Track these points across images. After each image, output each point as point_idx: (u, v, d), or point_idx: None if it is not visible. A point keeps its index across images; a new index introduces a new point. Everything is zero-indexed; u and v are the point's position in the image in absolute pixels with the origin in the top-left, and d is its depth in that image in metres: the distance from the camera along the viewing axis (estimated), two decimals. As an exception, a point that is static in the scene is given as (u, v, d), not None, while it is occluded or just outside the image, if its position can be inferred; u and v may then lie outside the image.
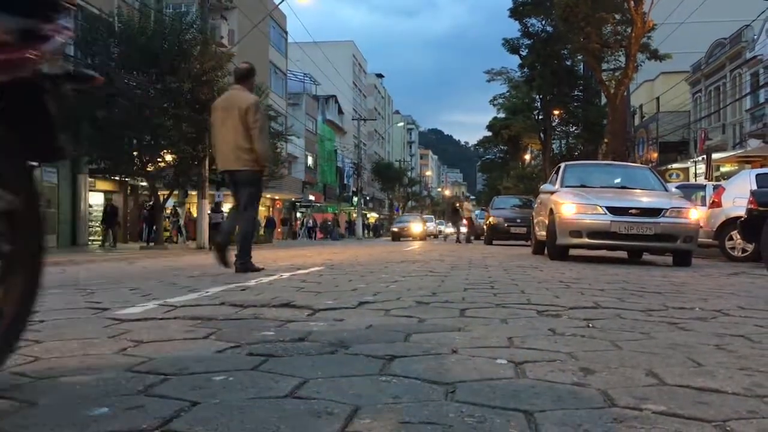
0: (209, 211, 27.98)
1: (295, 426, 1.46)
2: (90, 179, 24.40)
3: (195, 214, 26.87)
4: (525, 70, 40.54)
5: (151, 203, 24.83)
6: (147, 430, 1.44)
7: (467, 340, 2.63)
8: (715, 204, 11.83)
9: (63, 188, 22.57)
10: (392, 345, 2.50)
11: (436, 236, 50.37)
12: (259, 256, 13.21)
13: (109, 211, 22.73)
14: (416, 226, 36.74)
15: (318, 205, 57.47)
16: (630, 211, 8.94)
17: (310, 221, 47.53)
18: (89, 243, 24.27)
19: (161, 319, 3.31)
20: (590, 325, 3.07)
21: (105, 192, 27.10)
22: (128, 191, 28.10)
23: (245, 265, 6.78)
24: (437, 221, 61.89)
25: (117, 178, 25.17)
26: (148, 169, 20.74)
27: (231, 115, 6.72)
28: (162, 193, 22.58)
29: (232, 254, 6.84)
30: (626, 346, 2.51)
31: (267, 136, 7.41)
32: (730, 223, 11.08)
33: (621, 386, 1.84)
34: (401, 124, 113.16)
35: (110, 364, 2.17)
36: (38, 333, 2.88)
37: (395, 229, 37.00)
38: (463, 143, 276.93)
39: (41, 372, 2.06)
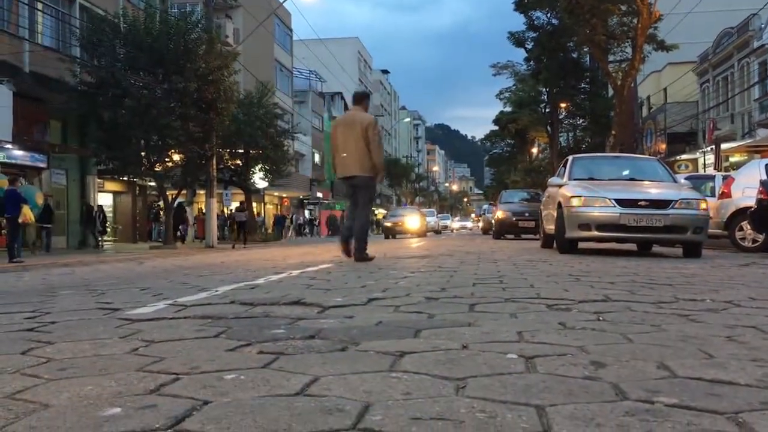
0: (233, 210, 28.28)
1: (307, 423, 1.46)
2: (98, 180, 24.53)
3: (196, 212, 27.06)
4: (531, 63, 40.42)
5: (159, 203, 24.95)
6: (159, 429, 1.45)
7: (477, 335, 2.63)
8: (725, 194, 11.76)
9: (72, 189, 22.69)
10: (402, 341, 2.50)
11: (438, 232, 46.22)
12: (268, 253, 13.26)
13: (85, 211, 21.64)
14: (412, 221, 30.56)
15: (326, 202, 57.49)
16: (639, 203, 8.89)
17: (300, 218, 46.06)
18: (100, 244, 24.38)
19: (172, 318, 3.32)
20: (601, 318, 3.06)
21: (114, 193, 27.24)
22: (137, 191, 28.22)
23: (362, 255, 8.00)
24: (440, 215, 58.63)
25: (125, 178, 25.27)
26: (156, 169, 20.82)
27: (353, 130, 8.08)
28: (170, 193, 22.66)
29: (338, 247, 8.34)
30: (637, 339, 2.50)
31: (382, 148, 8.68)
32: (740, 213, 11.02)
33: (632, 379, 1.84)
34: (407, 119, 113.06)
35: (122, 364, 2.18)
36: (50, 334, 2.90)
37: (388, 224, 31.44)
38: (470, 138, 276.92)
39: (54, 373, 2.07)
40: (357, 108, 8.53)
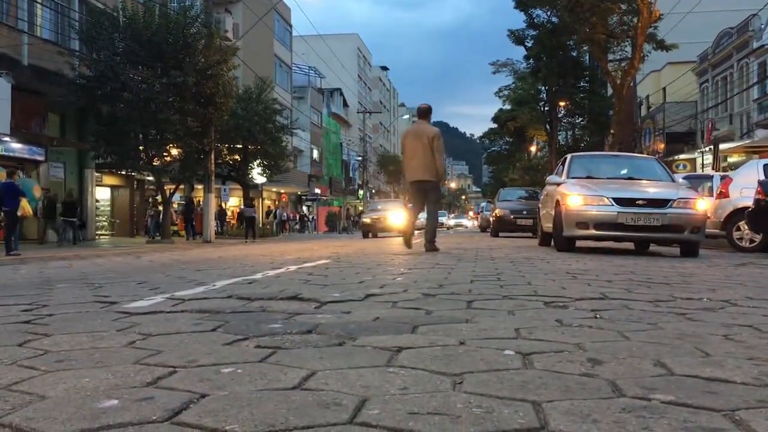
0: (243, 206, 28.39)
1: (304, 417, 1.46)
2: (96, 174, 24.48)
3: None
4: (530, 61, 40.33)
5: (157, 197, 24.90)
6: (157, 421, 1.45)
7: (474, 331, 2.63)
8: (723, 194, 11.77)
9: (70, 183, 22.64)
10: (399, 337, 2.50)
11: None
12: (266, 249, 13.26)
13: (47, 205, 20.05)
14: (396, 216, 24.10)
15: (324, 198, 57.46)
16: (637, 202, 8.90)
17: (284, 214, 44.92)
18: (97, 237, 24.37)
19: (169, 312, 3.32)
20: (598, 316, 3.06)
21: (112, 186, 27.19)
22: (134, 185, 28.18)
23: (432, 246, 9.45)
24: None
25: (123, 172, 25.23)
26: (154, 163, 20.78)
27: (420, 141, 9.29)
28: (168, 188, 22.62)
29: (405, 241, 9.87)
30: (634, 336, 2.51)
31: (445, 157, 10.03)
32: (738, 213, 11.03)
33: (629, 376, 1.84)
34: (406, 116, 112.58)
35: (119, 357, 2.18)
36: (47, 327, 2.90)
37: (366, 221, 25.77)
38: (468, 135, 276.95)
39: (51, 365, 2.07)
40: (422, 121, 9.75)
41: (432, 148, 9.25)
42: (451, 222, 64.11)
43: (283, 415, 1.48)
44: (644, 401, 1.59)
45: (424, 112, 9.85)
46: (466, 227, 62.92)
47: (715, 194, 12.45)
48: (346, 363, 2.03)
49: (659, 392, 1.66)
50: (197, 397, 1.65)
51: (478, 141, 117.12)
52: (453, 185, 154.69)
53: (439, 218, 51.52)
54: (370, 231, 25.16)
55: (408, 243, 9.81)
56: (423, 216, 9.99)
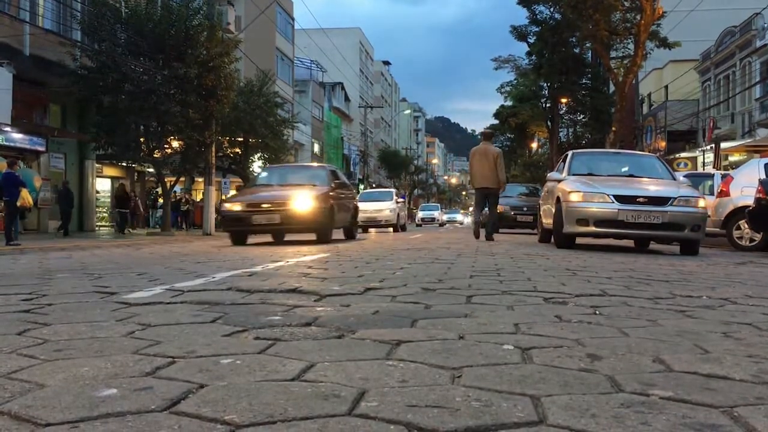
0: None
1: (303, 408, 1.47)
2: (97, 165, 24.47)
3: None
4: (533, 57, 40.22)
5: (157, 189, 24.87)
6: (155, 410, 1.45)
7: (474, 326, 2.63)
8: (723, 193, 11.76)
9: (70, 174, 22.63)
10: (399, 330, 2.50)
11: (419, 225, 43.80)
12: (266, 243, 13.25)
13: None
14: (381, 208, 22.73)
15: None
16: (637, 199, 8.89)
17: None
18: (97, 228, 24.39)
19: (169, 303, 3.33)
20: (597, 312, 3.06)
21: (112, 178, 27.19)
22: (135, 177, 28.16)
23: (491, 237, 12.56)
24: (423, 204, 54.39)
25: (124, 164, 25.21)
26: (155, 155, 20.76)
27: (486, 158, 12.36)
28: (169, 180, 22.60)
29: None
30: (633, 333, 2.51)
31: (504, 170, 12.68)
32: (738, 212, 11.02)
33: (628, 372, 1.84)
34: (408, 111, 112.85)
35: (118, 347, 2.18)
36: (46, 316, 2.90)
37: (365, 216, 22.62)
38: (470, 131, 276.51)
39: (50, 354, 2.07)
40: (487, 143, 13.05)
41: (495, 164, 12.31)
42: (444, 217, 56.44)
43: (281, 406, 1.48)
44: (643, 397, 1.59)
45: (488, 136, 13.58)
46: (461, 224, 58.04)
47: (715, 193, 12.45)
48: (345, 355, 2.04)
49: (658, 388, 1.67)
50: (196, 387, 1.65)
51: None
52: (453, 181, 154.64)
53: (433, 213, 49.27)
54: (369, 227, 22.93)
55: (476, 234, 13.14)
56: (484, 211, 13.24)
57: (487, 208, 13.01)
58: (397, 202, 24.32)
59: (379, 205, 23.43)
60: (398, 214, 23.77)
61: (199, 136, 20.55)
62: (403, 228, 25.27)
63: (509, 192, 23.28)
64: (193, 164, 22.17)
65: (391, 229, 23.99)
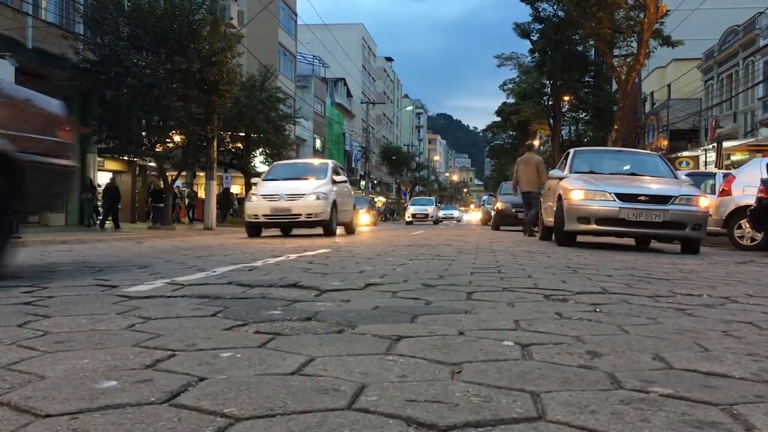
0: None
1: (302, 402, 1.47)
2: (99, 159, 24.45)
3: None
4: (535, 55, 40.10)
5: (159, 183, 24.86)
6: (155, 403, 1.45)
7: (474, 322, 2.64)
8: (725, 192, 11.75)
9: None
10: (399, 326, 2.51)
11: (409, 222, 40.13)
12: (266, 238, 13.26)
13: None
14: (301, 193, 13.32)
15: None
16: (639, 198, 8.88)
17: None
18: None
19: (169, 296, 3.33)
20: (597, 309, 3.06)
21: (114, 171, 27.19)
22: (137, 171, 28.15)
23: (531, 233, 14.14)
24: (415, 198, 50.52)
25: (125, 158, 25.20)
26: (157, 149, 20.75)
27: (530, 166, 14.48)
28: (170, 174, 22.60)
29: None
30: (633, 330, 2.51)
31: (546, 175, 13.03)
32: (740, 211, 11.00)
33: (628, 369, 1.84)
34: (410, 108, 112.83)
35: (118, 339, 2.18)
36: (47, 308, 2.91)
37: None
38: (471, 128, 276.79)
39: (51, 346, 2.07)
40: (529, 152, 15.29)
41: (537, 171, 14.37)
42: (440, 213, 48.71)
43: (281, 400, 1.48)
44: (642, 394, 1.59)
45: (530, 147, 16.49)
46: (459, 221, 52.91)
47: (717, 192, 12.43)
48: (345, 350, 2.04)
49: (658, 385, 1.67)
50: (196, 380, 1.65)
51: (481, 134, 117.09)
52: (455, 178, 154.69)
53: (426, 208, 46.52)
54: (273, 225, 14.05)
55: (525, 231, 14.96)
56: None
57: (533, 209, 14.31)
58: (335, 182, 14.20)
59: (297, 187, 13.41)
60: (334, 204, 13.60)
61: (201, 131, 20.54)
62: (349, 228, 15.94)
63: (510, 189, 23.29)
64: (194, 159, 22.17)
65: (321, 230, 13.83)
